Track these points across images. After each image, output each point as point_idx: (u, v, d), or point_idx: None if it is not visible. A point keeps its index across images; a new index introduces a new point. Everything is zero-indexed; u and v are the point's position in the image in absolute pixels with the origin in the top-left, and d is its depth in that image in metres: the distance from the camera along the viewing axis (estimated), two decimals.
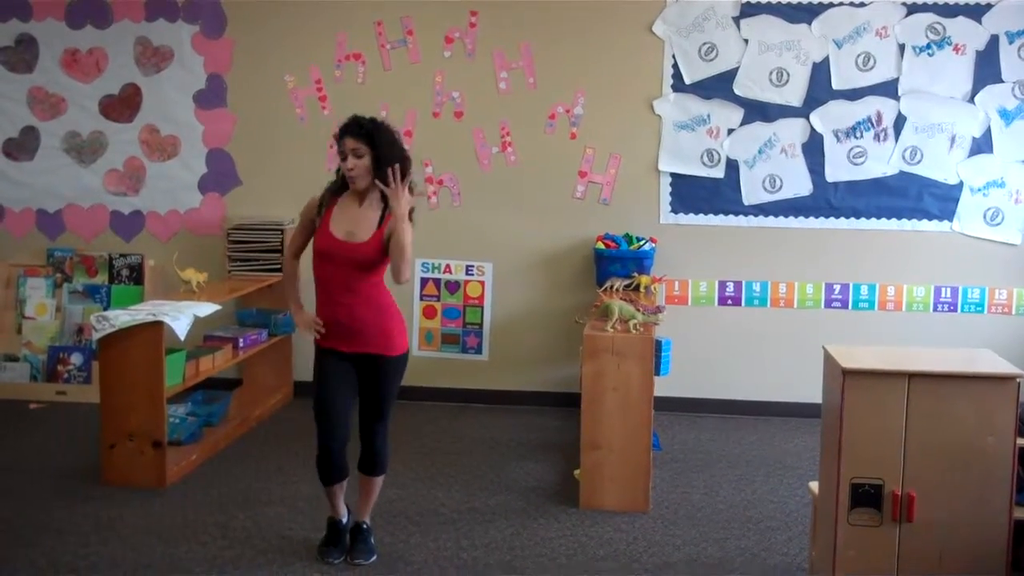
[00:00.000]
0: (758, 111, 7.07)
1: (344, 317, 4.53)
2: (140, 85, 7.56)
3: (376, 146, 4.44)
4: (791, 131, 7.06)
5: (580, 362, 5.57)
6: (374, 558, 4.74)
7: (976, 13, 6.86)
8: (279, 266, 7.14)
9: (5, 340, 7.59)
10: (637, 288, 6.63)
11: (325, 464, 4.69)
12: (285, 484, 5.74)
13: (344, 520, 4.86)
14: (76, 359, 7.44)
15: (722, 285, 7.26)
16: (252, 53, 7.43)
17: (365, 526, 4.85)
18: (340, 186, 4.60)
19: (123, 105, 7.60)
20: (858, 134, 7.01)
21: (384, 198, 4.48)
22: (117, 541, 4.95)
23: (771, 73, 7.01)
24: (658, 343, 5.60)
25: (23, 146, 7.71)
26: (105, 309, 7.09)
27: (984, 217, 7.03)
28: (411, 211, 4.48)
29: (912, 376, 3.69)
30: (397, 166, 4.38)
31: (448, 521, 5.28)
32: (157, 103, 7.56)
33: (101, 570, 4.63)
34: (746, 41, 7.02)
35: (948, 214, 7.04)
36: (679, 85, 7.10)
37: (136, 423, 5.64)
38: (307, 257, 4.69)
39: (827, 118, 7.02)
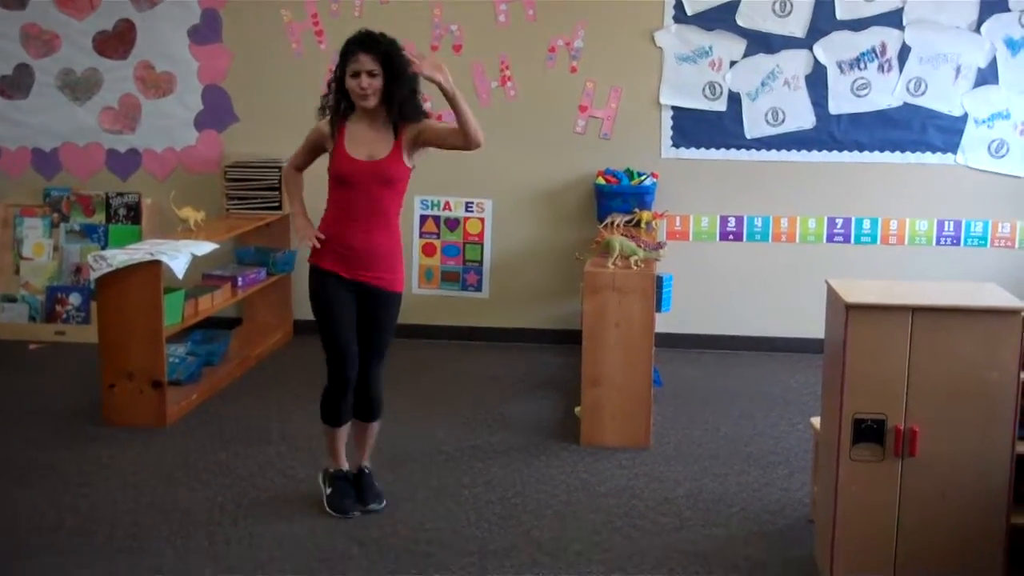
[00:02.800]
0: (761, 42, 6.96)
1: (359, 241, 4.38)
2: (134, 20, 7.45)
3: (391, 64, 4.26)
4: (794, 63, 6.96)
5: (581, 299, 5.54)
6: (384, 502, 4.66)
7: None
8: (278, 204, 7.09)
9: (3, 281, 7.55)
10: (638, 224, 6.57)
11: (338, 399, 4.53)
12: (286, 423, 5.74)
13: (347, 468, 4.71)
14: (74, 299, 7.42)
15: (724, 220, 7.20)
16: None
17: (367, 470, 4.72)
18: (343, 110, 4.40)
19: (117, 41, 7.50)
20: (862, 65, 6.92)
21: (391, 111, 4.32)
22: (118, 481, 4.95)
23: (774, 3, 6.90)
24: (659, 279, 5.55)
25: (17, 84, 7.62)
26: (103, 249, 7.05)
27: (989, 149, 6.95)
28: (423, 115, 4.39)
29: (916, 310, 3.65)
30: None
31: (449, 459, 5.28)
32: (152, 39, 7.45)
33: (102, 509, 4.63)
34: None
35: (952, 146, 6.97)
36: (681, 16, 7.00)
37: (135, 363, 5.62)
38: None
39: (831, 49, 6.92)
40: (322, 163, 4.57)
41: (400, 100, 4.31)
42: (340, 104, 4.41)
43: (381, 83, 4.29)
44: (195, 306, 6.09)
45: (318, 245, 4.44)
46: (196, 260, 5.90)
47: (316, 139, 4.54)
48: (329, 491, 4.66)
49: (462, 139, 4.30)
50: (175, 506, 4.67)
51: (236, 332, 7.21)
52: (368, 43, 4.29)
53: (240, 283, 6.61)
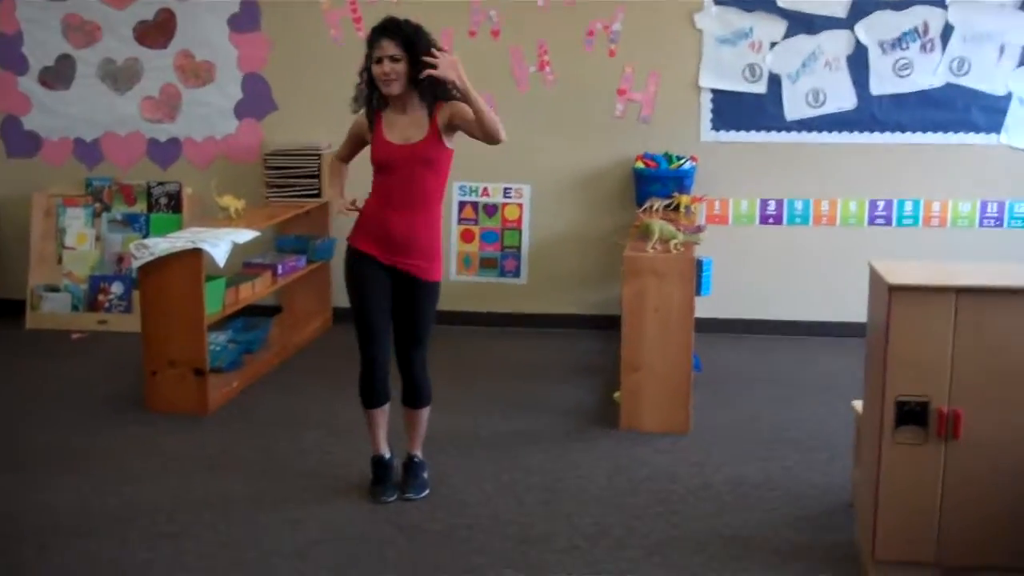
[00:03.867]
0: (802, 23, 6.90)
1: (398, 227, 4.39)
2: (174, 10, 7.49)
3: (414, 48, 4.26)
4: (835, 43, 6.89)
5: (620, 283, 5.51)
6: (426, 492, 4.65)
7: None
8: (317, 191, 7.11)
9: (46, 270, 7.62)
10: (677, 208, 6.53)
11: (369, 378, 4.56)
12: (326, 411, 5.76)
13: (388, 456, 4.72)
14: (116, 288, 7.48)
15: (763, 204, 7.15)
16: None
17: (417, 459, 4.74)
18: (376, 101, 4.43)
19: (157, 31, 7.54)
20: (904, 45, 6.84)
21: (425, 94, 4.34)
22: (160, 467, 5.00)
23: None
24: (699, 263, 5.52)
25: (59, 74, 7.68)
26: (144, 237, 7.10)
27: None
28: (455, 98, 4.34)
29: (960, 291, 3.60)
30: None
31: (488, 444, 5.28)
32: (191, 28, 7.49)
33: (145, 495, 4.67)
34: None
35: (995, 126, 6.88)
36: None
37: (177, 351, 5.65)
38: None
39: (872, 29, 6.84)
40: (365, 155, 4.58)
41: (428, 83, 4.31)
42: (373, 94, 4.43)
43: (405, 68, 4.29)
44: (236, 294, 6.12)
45: (350, 214, 4.48)
46: (236, 248, 5.92)
47: (357, 131, 4.59)
48: (371, 477, 4.71)
49: (481, 134, 4.31)
50: (217, 492, 4.71)
51: (276, 320, 7.24)
52: (389, 29, 4.31)
53: (280, 271, 6.64)
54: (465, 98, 4.24)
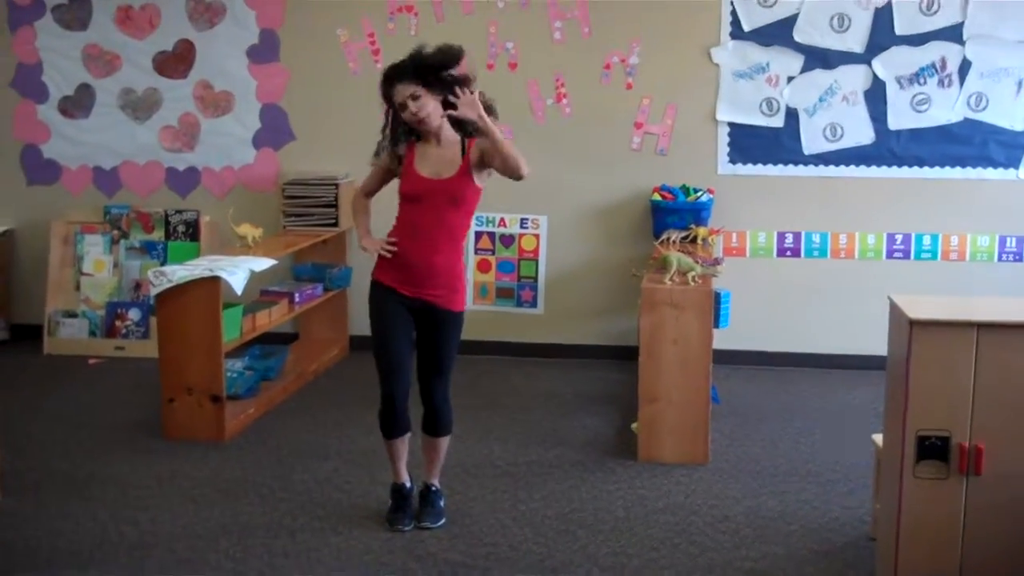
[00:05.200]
0: (819, 58, 6.92)
1: (421, 259, 4.38)
2: (193, 41, 7.55)
3: (428, 79, 4.24)
4: (853, 78, 6.91)
5: (637, 315, 5.52)
6: (442, 522, 4.64)
7: None
8: (334, 221, 7.13)
9: (64, 297, 7.66)
10: (695, 240, 6.53)
11: (388, 413, 4.54)
12: (342, 438, 5.76)
13: (408, 485, 4.72)
14: (134, 314, 7.50)
15: (781, 236, 7.15)
16: (304, 7, 7.39)
17: (434, 488, 4.72)
18: (405, 136, 4.42)
19: (177, 61, 7.60)
20: (922, 80, 6.85)
21: (457, 127, 4.35)
22: (177, 494, 4.99)
23: (832, 18, 6.86)
24: (717, 295, 5.52)
25: (79, 104, 7.74)
26: (162, 265, 7.13)
27: None
28: (490, 110, 4.31)
29: (981, 326, 3.59)
30: (460, 87, 4.24)
31: (505, 474, 5.27)
32: (210, 59, 7.55)
33: (162, 523, 4.67)
34: None
35: (1014, 161, 6.88)
36: (737, 32, 6.97)
37: (194, 377, 5.67)
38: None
39: (890, 64, 6.86)
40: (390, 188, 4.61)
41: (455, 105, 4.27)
42: (404, 133, 4.42)
43: (429, 99, 4.28)
44: (253, 321, 6.14)
45: (389, 254, 4.43)
46: (254, 276, 5.95)
47: (386, 164, 4.55)
48: (390, 504, 4.71)
49: (504, 170, 4.31)
50: (234, 520, 4.70)
51: (293, 347, 7.26)
52: (395, 75, 4.31)
53: (297, 299, 6.65)
54: (486, 135, 4.23)
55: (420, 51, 4.33)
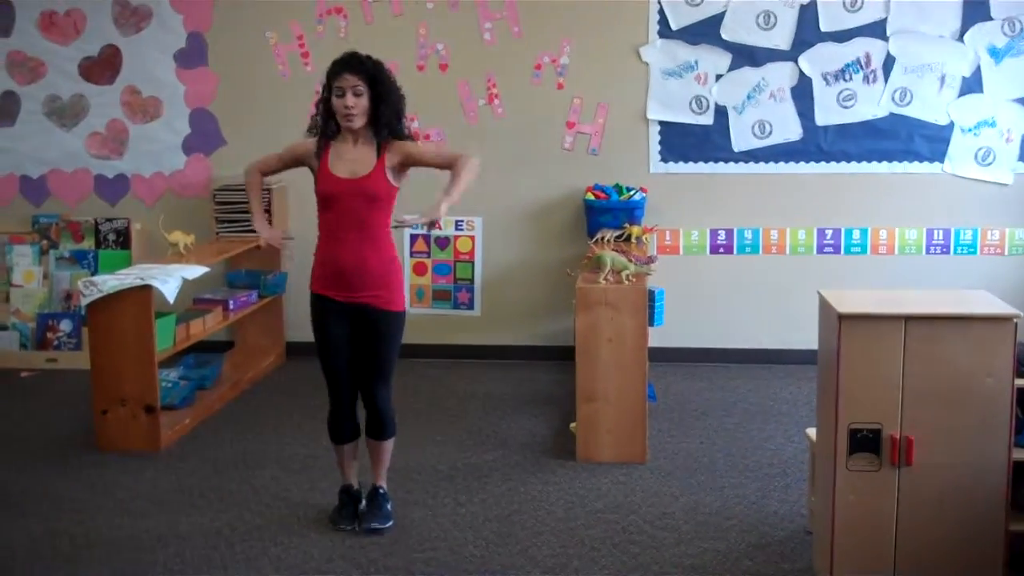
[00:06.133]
0: (746, 56, 6.99)
1: (349, 261, 4.39)
2: (119, 46, 7.45)
3: (377, 85, 4.31)
4: (780, 75, 6.99)
5: (573, 315, 5.54)
6: (390, 523, 4.64)
7: None
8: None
9: None
10: (628, 239, 6.58)
11: (337, 420, 4.63)
12: (280, 446, 5.72)
13: (356, 486, 4.76)
14: (65, 326, 7.39)
15: (713, 233, 7.22)
16: (232, 10, 7.32)
17: (381, 491, 4.73)
18: (330, 131, 4.42)
19: (103, 67, 7.50)
20: (847, 76, 6.95)
21: (374, 130, 4.38)
22: (114, 508, 4.93)
23: (758, 16, 6.93)
24: (651, 293, 5.56)
25: (3, 111, 7.60)
26: (93, 275, 7.03)
27: (975, 157, 6.98)
28: (407, 137, 4.47)
29: (909, 319, 3.66)
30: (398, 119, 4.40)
31: (445, 477, 5.27)
32: (137, 64, 7.45)
33: (98, 536, 4.61)
34: None
35: (939, 155, 6.99)
36: (665, 31, 7.02)
37: (128, 388, 5.60)
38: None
39: (816, 61, 6.95)
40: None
41: (386, 121, 4.37)
42: (327, 125, 4.43)
43: (367, 104, 4.33)
44: (187, 330, 6.08)
45: (285, 243, 4.52)
46: (187, 284, 5.89)
47: (301, 152, 4.54)
48: (336, 504, 4.76)
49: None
50: (171, 531, 4.65)
51: (228, 355, 7.20)
52: (353, 64, 4.33)
53: (231, 306, 6.60)
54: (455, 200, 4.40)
55: (383, 64, 4.41)
